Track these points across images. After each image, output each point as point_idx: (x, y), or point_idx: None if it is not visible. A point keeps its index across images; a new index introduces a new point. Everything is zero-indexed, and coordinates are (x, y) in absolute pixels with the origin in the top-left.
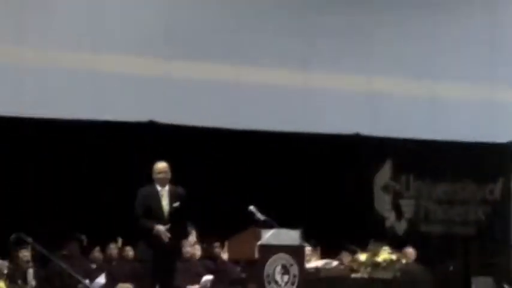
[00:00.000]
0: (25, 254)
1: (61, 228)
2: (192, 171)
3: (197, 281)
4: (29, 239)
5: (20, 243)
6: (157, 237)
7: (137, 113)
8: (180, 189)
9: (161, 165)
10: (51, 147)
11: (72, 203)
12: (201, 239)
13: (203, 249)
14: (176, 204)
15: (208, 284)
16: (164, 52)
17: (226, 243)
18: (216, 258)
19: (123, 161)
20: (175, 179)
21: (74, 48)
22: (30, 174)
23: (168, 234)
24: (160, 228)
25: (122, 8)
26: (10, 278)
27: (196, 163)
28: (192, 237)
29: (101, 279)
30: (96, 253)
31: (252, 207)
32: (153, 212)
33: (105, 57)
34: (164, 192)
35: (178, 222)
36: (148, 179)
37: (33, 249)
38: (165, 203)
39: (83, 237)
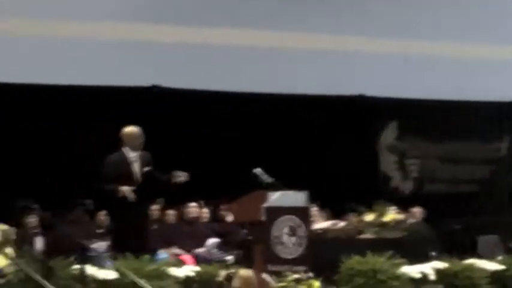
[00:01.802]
0: (32, 220)
1: (68, 194)
2: (197, 134)
3: (203, 244)
4: (35, 206)
5: (27, 210)
6: (124, 198)
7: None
8: (148, 154)
9: (135, 130)
10: (52, 113)
11: (78, 168)
12: (207, 202)
13: (209, 212)
14: (147, 168)
15: (215, 247)
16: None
17: (232, 206)
18: (222, 220)
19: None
20: (180, 143)
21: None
22: (37, 140)
23: (133, 195)
24: (125, 188)
25: None
26: (17, 244)
27: (201, 127)
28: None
29: (106, 243)
30: (102, 217)
31: (257, 170)
32: (124, 177)
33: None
34: (135, 158)
35: (149, 186)
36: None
37: (39, 215)
38: (136, 168)
39: (90, 202)
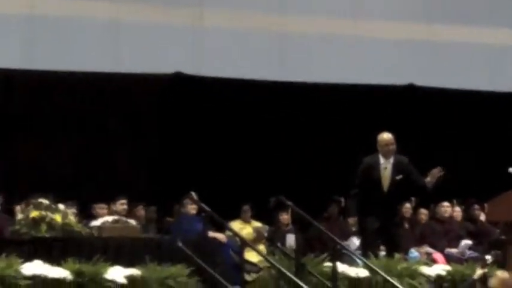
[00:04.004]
0: (285, 217)
1: (320, 191)
2: (452, 135)
3: (456, 244)
4: (289, 202)
5: (280, 206)
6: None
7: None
8: (404, 160)
9: (386, 137)
10: (309, 111)
11: (330, 164)
12: (460, 201)
13: (462, 211)
14: (399, 177)
15: (468, 248)
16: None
17: (485, 205)
18: (475, 220)
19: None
20: (439, 142)
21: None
22: (292, 137)
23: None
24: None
25: None
26: (270, 241)
27: (455, 127)
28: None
29: (359, 241)
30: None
31: (511, 169)
32: (372, 183)
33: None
34: (388, 165)
35: (398, 192)
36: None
37: (293, 212)
38: (386, 175)
39: (342, 200)
